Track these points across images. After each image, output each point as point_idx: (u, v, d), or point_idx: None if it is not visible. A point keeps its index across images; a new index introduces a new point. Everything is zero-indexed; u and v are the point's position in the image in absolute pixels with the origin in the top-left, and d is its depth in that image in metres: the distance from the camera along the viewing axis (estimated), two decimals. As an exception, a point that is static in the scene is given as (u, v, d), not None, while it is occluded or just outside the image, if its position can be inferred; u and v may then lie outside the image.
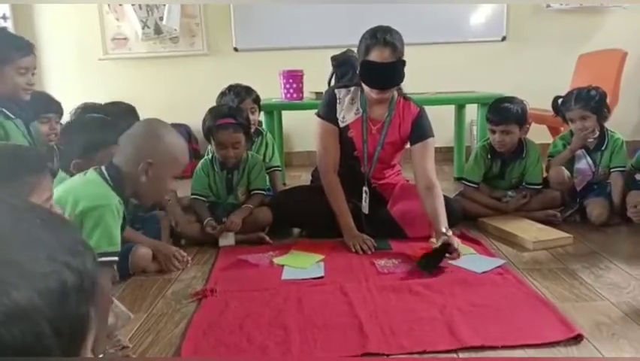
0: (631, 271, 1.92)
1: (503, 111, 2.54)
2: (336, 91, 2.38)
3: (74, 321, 0.50)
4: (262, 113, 3.28)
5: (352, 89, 2.35)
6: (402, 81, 2.25)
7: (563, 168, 2.61)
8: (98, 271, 0.55)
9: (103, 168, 1.51)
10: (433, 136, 2.33)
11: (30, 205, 0.54)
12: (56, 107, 2.51)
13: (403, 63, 2.18)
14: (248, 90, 2.68)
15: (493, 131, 2.57)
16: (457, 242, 2.05)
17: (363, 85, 2.26)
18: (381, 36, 2.14)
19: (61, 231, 0.52)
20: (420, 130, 2.32)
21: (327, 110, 2.35)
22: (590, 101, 2.53)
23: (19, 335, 0.44)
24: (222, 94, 2.70)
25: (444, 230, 2.06)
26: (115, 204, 1.43)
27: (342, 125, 2.33)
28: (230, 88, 2.71)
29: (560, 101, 2.64)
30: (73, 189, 1.47)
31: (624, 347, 1.39)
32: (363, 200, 2.37)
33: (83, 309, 0.51)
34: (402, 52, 2.17)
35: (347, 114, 2.33)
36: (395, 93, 2.32)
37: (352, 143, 2.35)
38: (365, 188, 2.37)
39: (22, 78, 2.03)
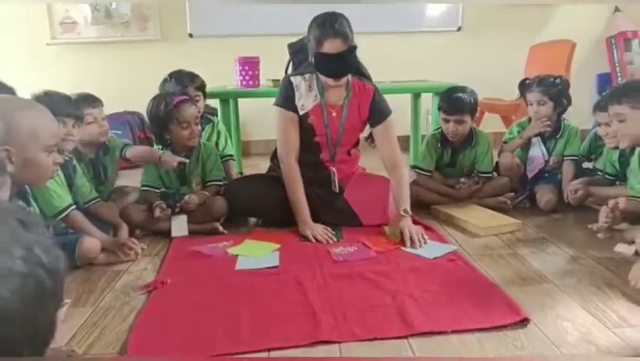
0: (576, 255, 1.99)
1: (458, 102, 2.57)
2: (292, 79, 2.35)
3: (46, 328, 0.49)
4: (217, 100, 3.23)
5: (307, 75, 2.33)
6: (355, 66, 2.29)
7: (513, 154, 2.68)
8: (65, 273, 0.53)
9: None
10: (391, 112, 2.38)
11: (9, 206, 0.54)
12: None
13: (354, 48, 2.20)
14: (191, 77, 2.60)
15: (447, 121, 2.60)
16: (410, 228, 2.11)
17: (319, 74, 2.27)
18: (331, 26, 2.14)
19: (36, 231, 0.52)
20: (378, 111, 2.35)
21: (285, 98, 2.33)
22: (550, 88, 2.59)
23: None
24: (164, 81, 2.61)
25: (402, 212, 2.18)
26: None
27: (302, 112, 2.31)
28: (172, 75, 2.61)
29: (526, 83, 2.70)
30: None
31: (568, 329, 1.44)
32: (332, 181, 2.38)
33: (54, 315, 0.50)
34: (352, 39, 2.18)
35: (305, 101, 2.31)
36: (349, 76, 2.32)
37: (312, 129, 2.34)
38: (333, 168, 2.38)
39: None
